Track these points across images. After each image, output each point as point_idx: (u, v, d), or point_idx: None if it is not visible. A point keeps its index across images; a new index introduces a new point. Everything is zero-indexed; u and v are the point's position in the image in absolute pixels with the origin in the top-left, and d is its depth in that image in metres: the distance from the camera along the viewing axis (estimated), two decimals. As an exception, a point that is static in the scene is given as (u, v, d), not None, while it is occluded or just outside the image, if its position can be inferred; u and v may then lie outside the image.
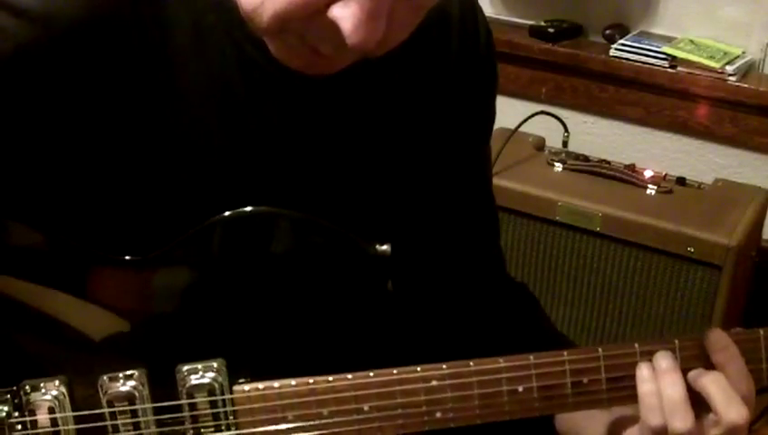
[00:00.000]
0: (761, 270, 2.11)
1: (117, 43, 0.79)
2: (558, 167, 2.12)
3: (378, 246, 0.83)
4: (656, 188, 2.04)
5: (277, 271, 0.83)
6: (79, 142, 0.80)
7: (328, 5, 0.72)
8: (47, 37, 0.77)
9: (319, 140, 0.89)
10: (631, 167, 2.13)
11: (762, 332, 0.88)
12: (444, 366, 0.83)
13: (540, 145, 2.25)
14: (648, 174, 2.08)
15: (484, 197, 1.09)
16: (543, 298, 2.06)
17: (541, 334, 1.08)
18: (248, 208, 0.82)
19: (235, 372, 0.84)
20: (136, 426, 0.83)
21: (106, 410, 0.83)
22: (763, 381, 0.89)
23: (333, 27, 0.71)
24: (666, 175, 2.10)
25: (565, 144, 2.24)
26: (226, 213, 0.82)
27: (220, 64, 0.83)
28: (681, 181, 2.09)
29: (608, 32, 2.35)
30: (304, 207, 0.84)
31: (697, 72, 2.19)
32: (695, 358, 0.87)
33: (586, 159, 2.16)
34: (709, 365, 0.87)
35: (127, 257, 0.82)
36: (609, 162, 2.15)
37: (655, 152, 2.38)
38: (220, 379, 0.83)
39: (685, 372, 0.86)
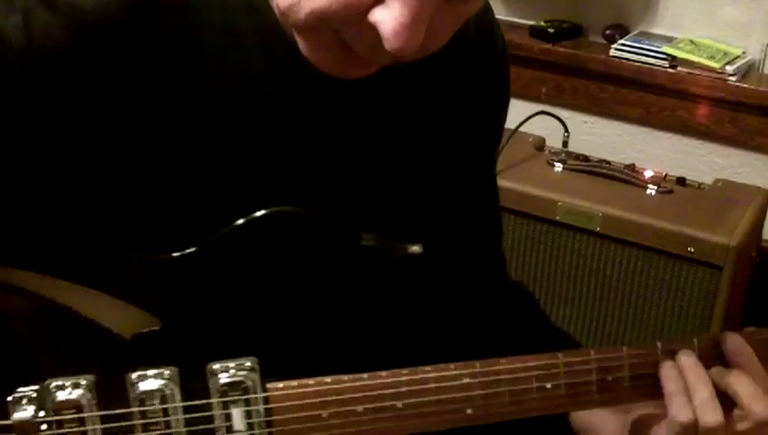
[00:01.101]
0: (761, 270, 2.12)
1: (147, 38, 0.78)
2: (558, 167, 2.13)
3: (409, 247, 0.83)
4: (656, 188, 2.04)
5: (308, 270, 0.83)
6: (110, 138, 0.79)
7: (369, 8, 0.70)
8: (78, 31, 0.76)
9: (339, 142, 0.89)
10: (631, 167, 2.13)
11: (774, 331, 0.91)
12: (477, 364, 0.84)
13: (540, 145, 2.25)
14: (648, 174, 2.09)
15: (489, 201, 1.10)
16: (543, 298, 2.06)
17: (540, 332, 1.09)
18: (280, 208, 0.81)
19: (264, 371, 0.83)
20: (166, 425, 0.82)
21: (135, 408, 0.81)
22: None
23: (372, 30, 0.70)
24: (666, 175, 2.11)
25: (565, 144, 2.24)
26: (258, 213, 0.81)
27: (248, 63, 0.82)
28: (681, 181, 2.10)
29: (608, 32, 2.36)
30: (331, 207, 0.83)
31: (697, 72, 2.20)
32: (712, 356, 0.89)
33: (586, 159, 2.16)
34: (726, 363, 0.89)
35: (164, 255, 0.81)
36: (609, 162, 2.15)
37: (655, 152, 2.38)
38: (253, 377, 0.82)
39: None
